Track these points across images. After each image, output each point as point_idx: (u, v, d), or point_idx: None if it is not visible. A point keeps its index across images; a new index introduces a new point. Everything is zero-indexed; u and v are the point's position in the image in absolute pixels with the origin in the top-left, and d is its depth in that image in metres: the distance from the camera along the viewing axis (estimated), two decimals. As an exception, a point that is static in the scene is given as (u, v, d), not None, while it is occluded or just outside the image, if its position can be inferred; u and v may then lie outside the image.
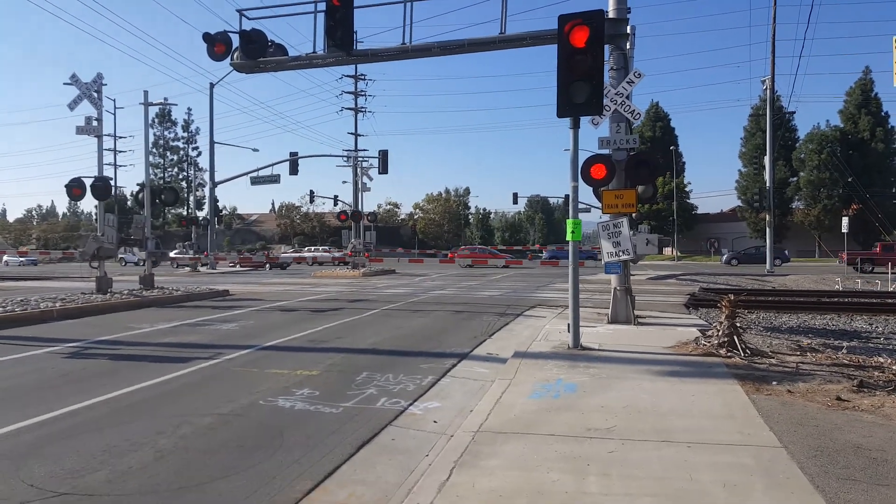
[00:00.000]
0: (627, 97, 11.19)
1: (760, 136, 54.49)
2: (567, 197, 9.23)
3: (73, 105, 18.29)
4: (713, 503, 3.75)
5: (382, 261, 39.25)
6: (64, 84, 18.21)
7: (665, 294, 19.77)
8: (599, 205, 11.65)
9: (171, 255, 40.28)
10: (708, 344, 8.77)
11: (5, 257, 56.96)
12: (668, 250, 65.24)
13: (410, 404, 6.54)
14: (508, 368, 7.76)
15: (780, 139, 54.11)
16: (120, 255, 43.79)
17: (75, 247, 54.32)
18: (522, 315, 14.43)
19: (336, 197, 46.62)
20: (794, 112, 60.98)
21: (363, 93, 53.09)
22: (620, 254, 10.79)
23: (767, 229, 35.25)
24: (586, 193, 12.53)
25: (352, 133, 50.90)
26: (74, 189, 18.33)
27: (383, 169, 36.15)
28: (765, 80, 35.59)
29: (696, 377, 7.12)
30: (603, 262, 11.20)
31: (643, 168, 11.31)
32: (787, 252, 47.65)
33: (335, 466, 4.77)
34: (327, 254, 51.18)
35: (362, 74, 52.62)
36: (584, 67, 8.43)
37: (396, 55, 13.21)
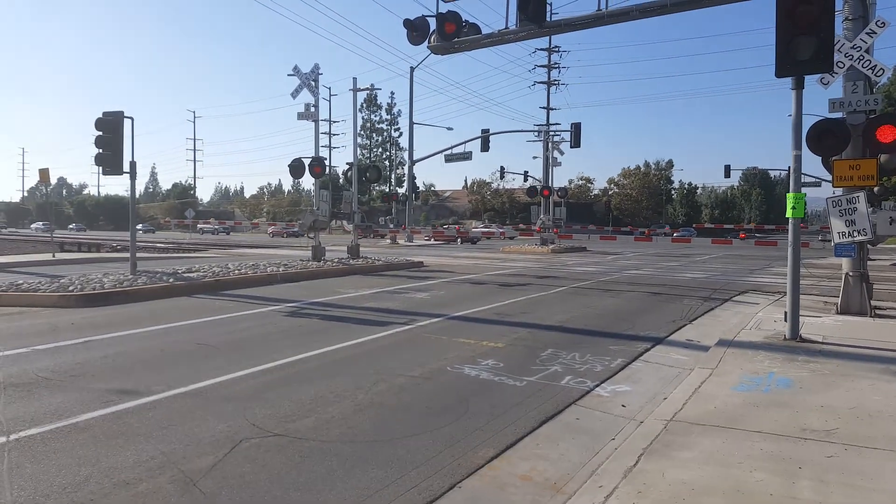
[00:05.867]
0: (867, 51, 9.54)
1: None
2: (789, 168, 8.16)
3: (294, 94, 20.38)
4: None
5: (572, 237, 38.56)
6: (287, 75, 20.37)
7: (911, 283, 16.84)
8: (830, 177, 10.15)
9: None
10: (968, 344, 7.25)
11: (200, 225, 68.30)
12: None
13: (597, 385, 6.32)
14: (711, 357, 7.15)
15: None
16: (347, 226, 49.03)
17: (296, 220, 61.78)
18: (731, 300, 13.22)
19: (526, 172, 46.62)
20: None
21: (556, 65, 52.36)
22: (855, 234, 9.31)
23: None
24: (814, 165, 11.01)
25: (544, 107, 50.64)
26: (295, 169, 20.52)
27: (575, 142, 35.18)
28: None
29: (948, 381, 5.95)
30: (832, 244, 9.76)
31: (887, 133, 9.59)
32: None
33: (517, 438, 4.77)
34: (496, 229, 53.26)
35: (556, 47, 51.86)
36: (810, 19, 7.31)
37: (591, 23, 12.63)
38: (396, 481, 3.94)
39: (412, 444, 4.58)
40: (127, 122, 14.12)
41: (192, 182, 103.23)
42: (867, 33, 9.55)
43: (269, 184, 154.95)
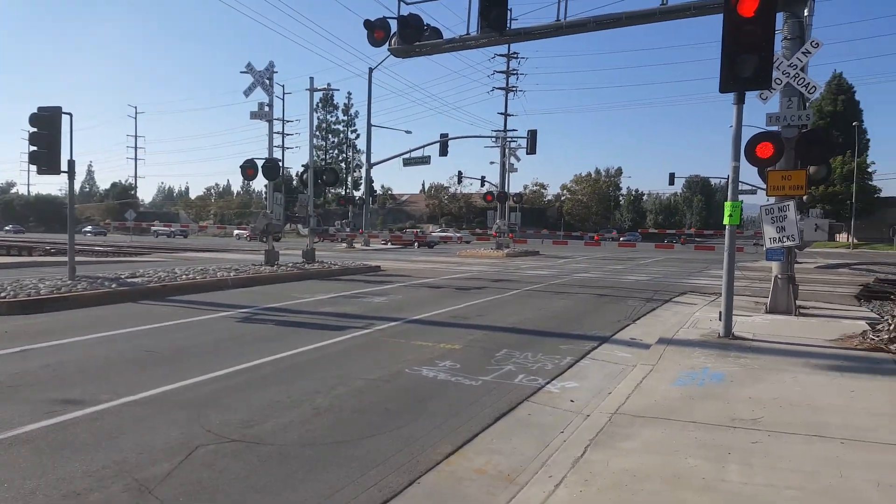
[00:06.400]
0: (802, 69, 10.18)
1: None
2: (728, 177, 8.67)
3: (248, 92, 19.98)
4: (864, 502, 3.52)
5: (526, 242, 39.15)
6: (240, 73, 20.04)
7: (834, 284, 17.93)
8: (765, 186, 10.79)
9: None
10: (876, 338, 7.95)
11: (155, 227, 65.36)
12: (842, 237, 58.60)
13: (548, 382, 6.61)
14: (651, 354, 7.55)
15: None
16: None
17: (247, 223, 60.44)
18: (671, 301, 13.84)
19: (483, 178, 47.22)
20: None
21: (515, 72, 52.96)
22: (784, 239, 9.95)
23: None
24: (752, 174, 11.68)
25: (501, 113, 51.02)
26: (248, 170, 20.17)
27: (531, 149, 35.87)
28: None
29: (858, 372, 6.58)
30: (764, 248, 10.41)
31: (816, 147, 10.30)
32: None
33: (473, 434, 4.98)
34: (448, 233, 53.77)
35: (515, 53, 52.39)
36: (752, 38, 7.79)
37: (550, 32, 12.99)
38: (357, 480, 4.06)
39: (372, 444, 4.72)
40: (65, 119, 13.28)
41: (133, 181, 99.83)
42: (803, 52, 10.18)
43: (217, 184, 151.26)
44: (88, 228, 69.04)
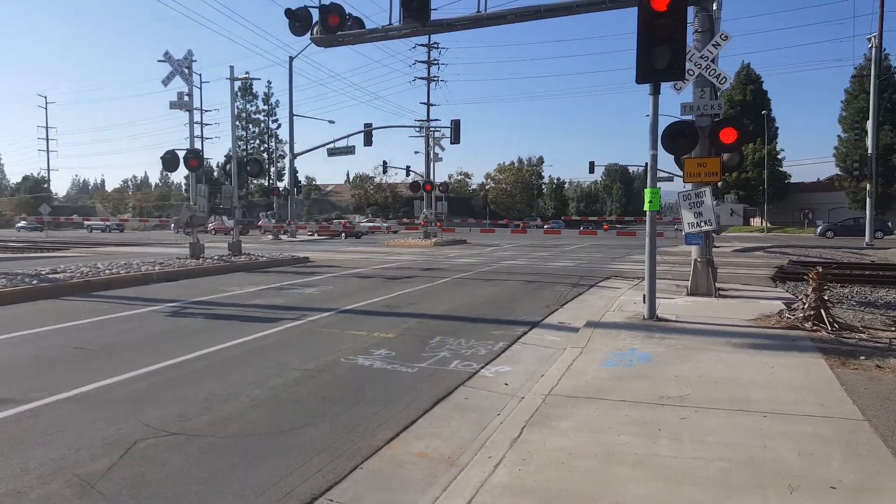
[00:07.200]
0: (713, 61, 10.76)
1: (864, 98, 49.86)
2: (647, 165, 9.06)
3: (166, 81, 19.26)
4: (787, 470, 3.74)
5: (454, 231, 39.54)
6: (158, 61, 19.24)
7: (750, 267, 19.05)
8: (682, 173, 11.34)
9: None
10: (792, 317, 8.50)
11: (88, 222, 61.97)
12: (756, 221, 62.20)
13: (482, 367, 6.79)
14: (580, 337, 7.82)
15: (887, 102, 49.72)
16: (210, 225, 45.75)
17: (168, 215, 57.86)
18: (596, 286, 14.34)
19: (408, 167, 47.20)
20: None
21: (436, 61, 53.08)
22: (702, 224, 10.50)
23: (868, 199, 33.03)
24: (668, 162, 12.27)
25: (424, 103, 51.08)
26: (169, 160, 19.48)
27: (455, 139, 36.10)
28: (871, 38, 32.99)
29: (777, 350, 7.00)
30: (683, 233, 10.96)
31: (728, 134, 10.90)
32: (890, 224, 44.50)
33: (412, 420, 5.09)
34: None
35: (435, 43, 52.46)
36: (666, 31, 8.15)
37: (471, 24, 13.19)
38: (300, 468, 4.10)
39: (312, 432, 4.75)
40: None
41: (46, 174, 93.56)
42: (713, 45, 10.75)
43: (135, 177, 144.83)
44: (22, 224, 64.03)
